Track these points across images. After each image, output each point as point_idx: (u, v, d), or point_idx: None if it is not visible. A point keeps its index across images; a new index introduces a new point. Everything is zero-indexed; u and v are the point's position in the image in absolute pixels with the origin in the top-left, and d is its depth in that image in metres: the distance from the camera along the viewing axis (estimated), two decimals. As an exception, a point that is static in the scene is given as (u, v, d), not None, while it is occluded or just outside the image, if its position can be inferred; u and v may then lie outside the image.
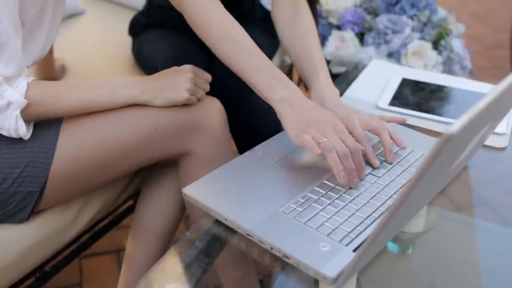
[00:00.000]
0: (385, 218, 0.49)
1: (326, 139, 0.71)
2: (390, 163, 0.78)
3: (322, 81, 0.89)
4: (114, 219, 1.11)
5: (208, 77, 0.87)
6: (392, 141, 0.79)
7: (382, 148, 0.80)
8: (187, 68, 0.85)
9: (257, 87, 0.78)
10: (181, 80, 0.83)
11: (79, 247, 1.04)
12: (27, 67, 0.79)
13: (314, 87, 0.90)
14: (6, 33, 0.71)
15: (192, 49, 1.15)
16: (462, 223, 0.78)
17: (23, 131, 0.75)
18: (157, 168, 0.98)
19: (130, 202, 1.12)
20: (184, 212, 0.99)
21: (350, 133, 0.76)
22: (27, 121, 0.76)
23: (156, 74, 0.85)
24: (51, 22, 0.83)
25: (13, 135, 0.76)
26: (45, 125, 0.80)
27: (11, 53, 0.72)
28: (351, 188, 0.72)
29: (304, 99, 0.77)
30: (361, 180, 0.74)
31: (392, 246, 0.70)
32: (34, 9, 0.78)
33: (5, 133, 0.75)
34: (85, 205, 0.92)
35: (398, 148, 0.81)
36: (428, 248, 0.71)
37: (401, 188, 0.73)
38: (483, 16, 3.32)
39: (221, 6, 0.83)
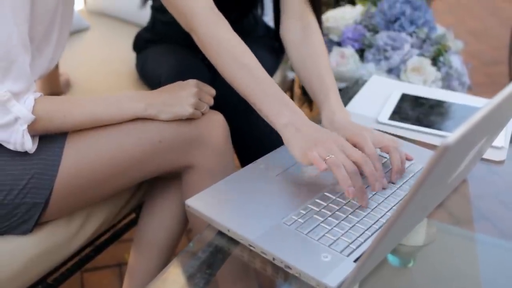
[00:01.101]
0: (385, 229, 0.50)
1: (333, 156, 0.71)
2: (393, 183, 0.78)
3: (333, 104, 0.89)
4: (117, 232, 1.12)
5: (212, 91, 0.89)
6: (400, 164, 0.78)
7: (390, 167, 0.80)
8: (191, 83, 0.86)
9: (264, 112, 0.79)
10: (186, 95, 0.84)
11: (81, 259, 1.04)
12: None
13: (325, 109, 0.90)
14: (15, 51, 0.73)
15: (195, 64, 1.17)
16: (462, 237, 0.79)
17: (29, 145, 0.77)
18: (160, 181, 0.99)
19: (133, 216, 1.13)
20: (186, 225, 1.00)
21: (361, 150, 0.76)
22: (32, 136, 0.78)
23: (161, 88, 0.87)
24: (58, 39, 0.85)
25: (19, 149, 0.77)
26: (51, 137, 0.81)
27: (19, 70, 0.74)
28: (360, 205, 0.72)
29: (309, 122, 0.77)
30: (384, 189, 0.75)
31: (393, 259, 0.71)
32: (42, 26, 0.80)
33: (11, 147, 0.77)
34: (88, 218, 0.93)
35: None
36: (429, 261, 0.72)
37: (401, 200, 0.74)
38: (480, 33, 3.36)
39: (230, 28, 0.84)
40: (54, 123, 0.79)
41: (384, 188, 0.76)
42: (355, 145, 0.78)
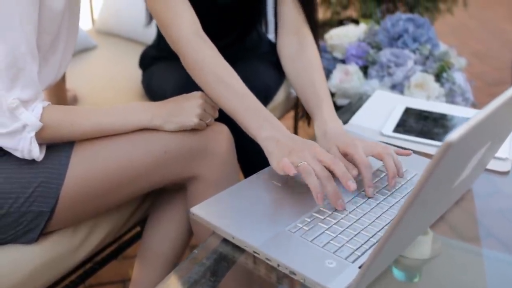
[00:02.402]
0: (390, 229, 0.50)
1: (305, 162, 0.73)
2: (390, 189, 0.78)
3: (326, 114, 0.91)
4: (121, 246, 1.12)
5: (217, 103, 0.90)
6: (395, 168, 0.79)
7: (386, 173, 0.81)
8: (197, 95, 0.88)
9: (246, 127, 0.82)
10: (191, 106, 0.86)
11: (86, 272, 1.04)
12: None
13: (317, 120, 0.92)
14: (23, 59, 0.74)
15: None
16: (468, 252, 0.78)
17: (36, 153, 0.78)
18: (165, 193, 0.99)
19: (137, 229, 1.13)
20: (191, 237, 1.00)
21: (352, 159, 0.77)
22: (40, 144, 0.79)
23: (167, 100, 0.88)
24: (64, 48, 0.87)
25: (27, 156, 0.78)
26: (58, 146, 0.82)
27: (28, 78, 0.75)
28: (346, 210, 0.73)
29: (289, 135, 0.80)
30: (358, 194, 0.76)
31: (398, 274, 0.70)
32: (48, 35, 0.81)
33: (19, 154, 0.78)
34: (93, 229, 0.93)
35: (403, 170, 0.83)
36: (435, 276, 0.71)
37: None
38: (483, 55, 3.39)
39: (214, 49, 0.88)
40: (62, 131, 0.80)
41: (370, 197, 0.76)
42: (346, 155, 0.80)
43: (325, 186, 0.72)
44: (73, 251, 0.90)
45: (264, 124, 0.81)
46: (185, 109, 0.85)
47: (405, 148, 0.94)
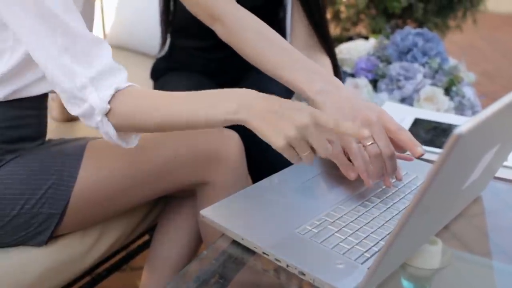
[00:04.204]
0: (400, 225, 0.50)
1: (374, 143, 0.70)
2: (399, 180, 0.79)
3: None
4: (130, 253, 1.12)
5: (331, 125, 0.68)
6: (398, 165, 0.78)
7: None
8: (308, 110, 0.66)
9: (294, 81, 0.77)
10: (291, 120, 0.65)
11: (94, 279, 1.04)
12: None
13: None
14: (96, 39, 0.72)
15: (212, 88, 1.19)
16: (479, 264, 0.78)
17: (114, 135, 0.72)
18: (174, 201, 1.00)
19: (146, 238, 1.13)
20: (200, 244, 1.00)
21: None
22: (123, 132, 0.73)
23: (265, 96, 0.70)
24: None
25: (113, 140, 0.73)
26: (69, 148, 0.83)
27: (105, 57, 0.71)
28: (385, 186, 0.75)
29: (344, 89, 0.75)
30: (367, 199, 0.76)
31: (408, 285, 0.70)
32: None
33: (106, 137, 0.74)
34: (102, 234, 0.93)
35: (413, 177, 0.83)
36: (444, 287, 0.71)
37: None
38: (493, 75, 3.39)
39: (252, 14, 0.87)
40: (135, 119, 0.71)
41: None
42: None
43: (374, 166, 0.71)
44: (82, 256, 0.90)
45: (314, 77, 0.76)
46: (282, 120, 0.65)
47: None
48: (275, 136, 0.65)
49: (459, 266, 0.75)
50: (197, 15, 0.90)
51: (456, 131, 0.43)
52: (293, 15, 1.08)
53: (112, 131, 0.72)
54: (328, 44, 1.07)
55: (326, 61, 1.04)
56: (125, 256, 1.12)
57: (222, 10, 0.86)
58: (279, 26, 1.28)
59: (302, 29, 1.07)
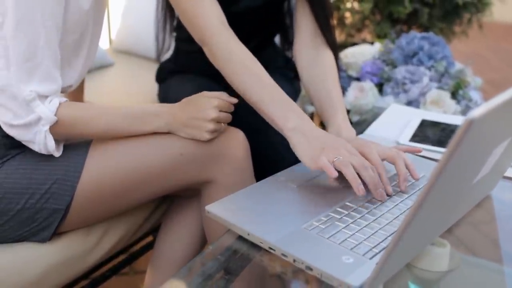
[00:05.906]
0: (410, 215, 0.49)
1: (340, 157, 0.73)
2: (403, 192, 0.78)
3: (340, 122, 0.91)
4: (133, 254, 1.11)
5: (233, 100, 0.88)
6: (407, 172, 0.79)
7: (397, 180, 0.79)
8: (212, 100, 0.85)
9: (271, 117, 0.82)
10: (204, 120, 0.83)
11: (96, 279, 1.03)
12: (62, 92, 0.83)
13: (331, 126, 0.91)
14: (42, 53, 0.75)
15: (215, 90, 1.19)
16: (488, 269, 0.76)
17: (52, 146, 0.78)
18: (179, 200, 0.99)
19: (150, 239, 1.13)
20: (205, 244, 0.99)
21: (367, 159, 0.77)
22: (56, 140, 0.79)
23: (184, 104, 0.86)
24: (89, 49, 0.88)
25: (43, 150, 0.78)
26: (75, 145, 0.83)
27: (45, 72, 0.76)
28: (379, 200, 0.74)
29: (316, 129, 0.79)
30: (389, 196, 0.75)
31: (415, 288, 0.69)
32: (74, 35, 0.83)
33: (36, 148, 0.78)
34: (106, 232, 0.92)
35: (421, 176, 0.82)
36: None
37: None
38: (499, 83, 3.38)
39: (241, 43, 0.89)
40: (76, 129, 0.80)
41: (380, 200, 0.75)
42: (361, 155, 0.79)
43: (364, 177, 0.73)
44: (86, 253, 0.89)
45: (289, 114, 0.80)
46: (198, 123, 0.84)
47: (422, 157, 0.93)
48: (201, 132, 0.84)
49: (468, 270, 0.74)
50: (190, 33, 0.91)
51: (469, 116, 0.42)
52: (298, 9, 1.08)
53: (52, 141, 0.78)
54: (331, 37, 1.07)
55: (330, 56, 1.04)
56: (128, 258, 1.10)
57: (210, 40, 0.88)
58: (281, 22, 1.27)
59: (307, 23, 1.07)
